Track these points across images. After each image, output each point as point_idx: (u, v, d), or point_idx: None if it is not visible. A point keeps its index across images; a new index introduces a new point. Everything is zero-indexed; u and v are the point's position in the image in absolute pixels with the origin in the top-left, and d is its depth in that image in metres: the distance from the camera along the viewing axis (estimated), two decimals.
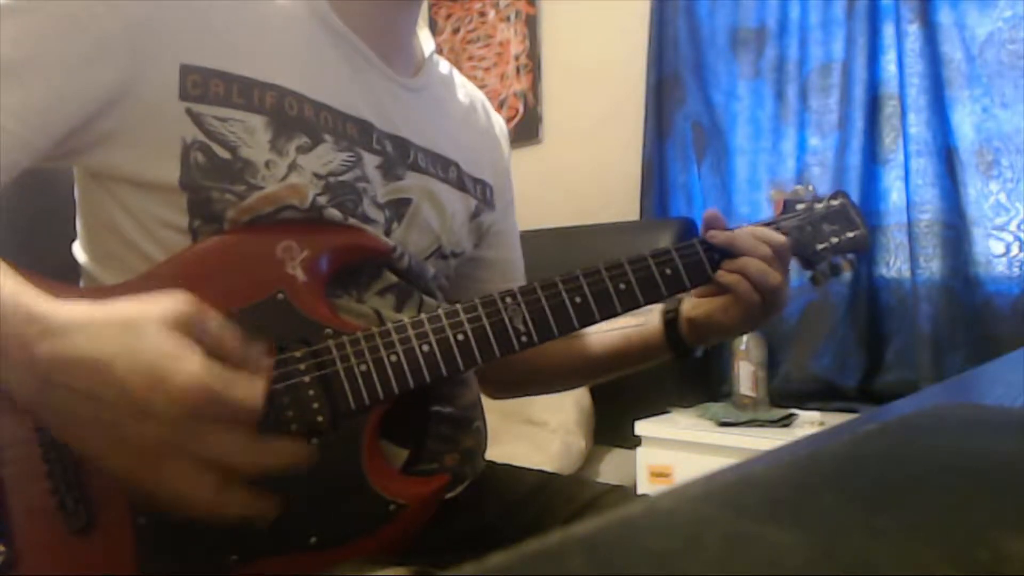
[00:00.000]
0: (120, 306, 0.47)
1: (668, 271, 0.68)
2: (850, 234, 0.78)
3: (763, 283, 0.69)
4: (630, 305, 0.66)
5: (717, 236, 0.70)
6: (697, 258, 0.70)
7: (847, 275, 0.80)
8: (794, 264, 0.76)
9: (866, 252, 0.80)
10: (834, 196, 0.80)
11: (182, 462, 0.45)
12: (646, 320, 0.79)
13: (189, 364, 0.45)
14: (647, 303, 0.67)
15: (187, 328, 0.46)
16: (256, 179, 0.59)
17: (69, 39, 0.54)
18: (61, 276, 0.66)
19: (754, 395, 1.67)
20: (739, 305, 0.70)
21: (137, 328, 0.45)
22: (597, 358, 0.83)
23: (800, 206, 0.79)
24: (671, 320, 0.77)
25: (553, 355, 0.84)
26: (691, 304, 0.76)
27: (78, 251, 0.66)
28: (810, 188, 0.81)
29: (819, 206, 0.79)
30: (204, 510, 0.46)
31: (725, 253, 0.70)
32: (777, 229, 0.74)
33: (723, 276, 0.69)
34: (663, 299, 0.69)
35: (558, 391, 0.93)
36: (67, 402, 0.45)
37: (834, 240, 0.77)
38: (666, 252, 0.69)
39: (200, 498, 0.46)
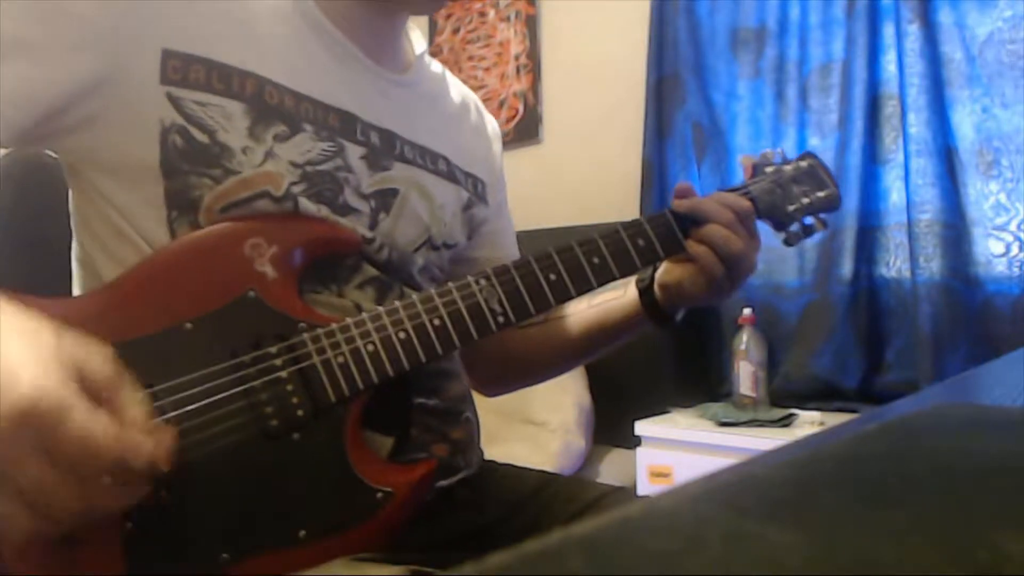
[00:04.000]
0: (33, 318, 0.44)
1: (641, 242, 0.68)
2: (820, 193, 0.78)
3: (725, 250, 0.69)
4: (605, 278, 0.67)
5: (681, 204, 0.71)
6: (669, 227, 0.70)
7: (819, 233, 0.80)
8: (767, 227, 0.77)
9: (837, 210, 0.81)
10: (802, 157, 0.80)
11: None
12: (624, 292, 0.79)
13: (45, 377, 0.41)
14: (622, 275, 0.68)
15: (73, 364, 0.43)
16: (232, 164, 0.59)
17: (53, 21, 0.55)
18: (61, 275, 0.67)
19: (754, 395, 1.67)
20: (704, 274, 0.70)
21: (32, 334, 0.43)
22: (579, 337, 0.83)
23: (768, 169, 0.79)
24: (646, 288, 0.77)
25: (535, 341, 0.84)
26: (664, 270, 0.76)
27: (74, 246, 0.66)
28: (779, 151, 0.81)
29: (787, 168, 0.79)
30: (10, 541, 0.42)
31: (695, 221, 0.71)
32: (746, 194, 0.74)
33: (691, 246, 0.70)
34: (638, 270, 0.69)
35: (548, 378, 0.93)
36: None
37: (804, 201, 0.77)
38: (636, 223, 0.69)
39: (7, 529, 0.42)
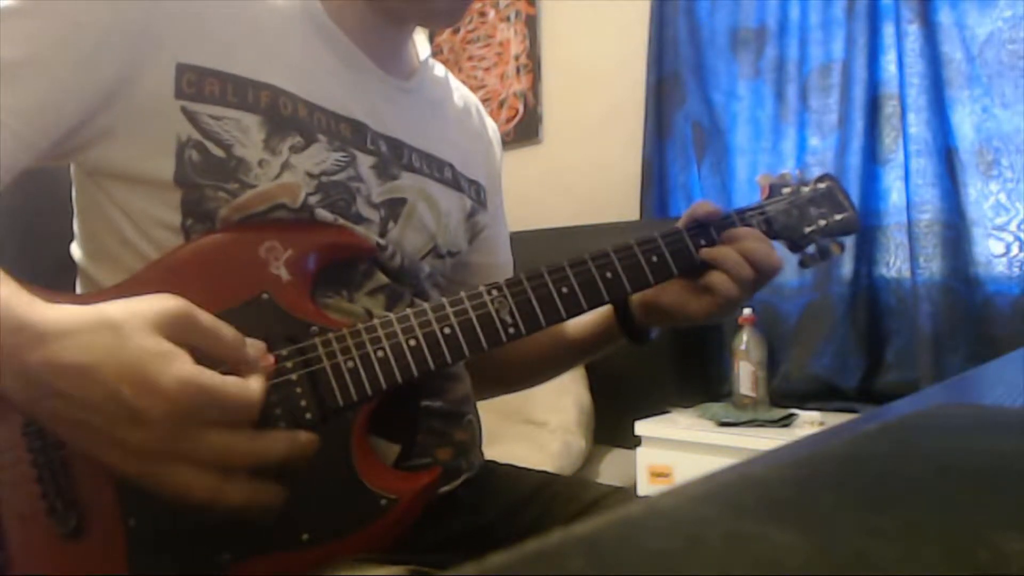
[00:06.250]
0: (107, 308, 0.47)
1: (655, 258, 0.68)
2: (838, 216, 0.77)
3: (740, 273, 0.69)
4: (617, 293, 0.67)
5: (705, 253, 0.70)
6: (683, 245, 0.70)
7: (837, 256, 0.79)
8: (783, 247, 0.76)
9: (855, 233, 0.80)
10: (820, 179, 0.80)
11: (179, 463, 0.46)
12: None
13: (177, 365, 0.45)
14: (634, 291, 0.68)
15: (175, 328, 0.47)
16: (249, 177, 0.59)
17: (69, 40, 0.55)
18: (60, 275, 0.66)
19: (754, 395, 1.67)
20: (716, 298, 0.70)
21: (123, 331, 0.46)
22: (550, 349, 0.84)
23: (786, 190, 0.78)
24: (622, 303, 0.76)
25: (517, 349, 0.83)
26: (656, 290, 0.74)
27: (75, 250, 0.66)
28: (797, 172, 0.80)
29: (805, 189, 0.78)
30: (206, 507, 0.47)
31: (710, 239, 0.71)
32: (761, 213, 0.74)
33: (709, 258, 0.69)
34: (650, 286, 0.69)
35: (519, 389, 0.93)
36: (61, 409, 0.45)
37: (822, 223, 0.76)
38: (652, 240, 0.69)
39: (200, 496, 0.46)
